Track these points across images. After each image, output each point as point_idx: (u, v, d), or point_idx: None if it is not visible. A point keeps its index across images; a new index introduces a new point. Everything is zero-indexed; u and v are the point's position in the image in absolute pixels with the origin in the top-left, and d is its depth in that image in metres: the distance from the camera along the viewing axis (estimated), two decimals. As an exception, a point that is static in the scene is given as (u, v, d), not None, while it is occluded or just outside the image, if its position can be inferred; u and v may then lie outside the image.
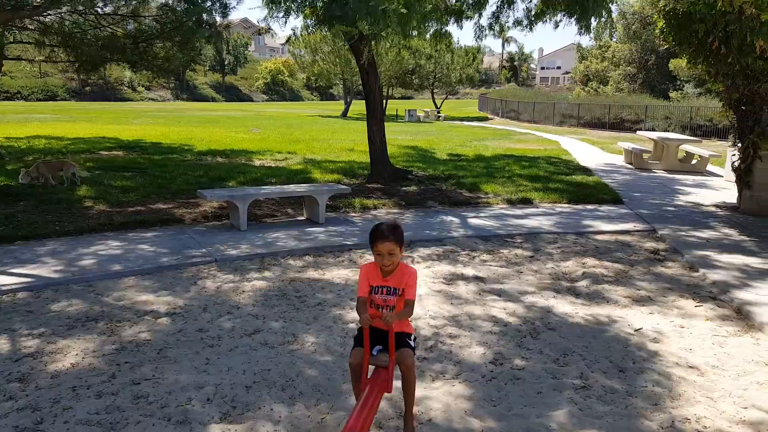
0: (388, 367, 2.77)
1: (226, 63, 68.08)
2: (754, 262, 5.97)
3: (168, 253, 5.92)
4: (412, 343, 2.87)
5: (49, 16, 11.46)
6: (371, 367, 2.85)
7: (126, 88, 58.42)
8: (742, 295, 4.96)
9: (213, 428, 2.95)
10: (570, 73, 65.03)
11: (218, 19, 10.94)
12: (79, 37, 11.47)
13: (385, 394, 2.90)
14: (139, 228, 6.96)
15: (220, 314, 4.45)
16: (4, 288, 4.86)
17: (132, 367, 3.60)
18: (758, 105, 8.08)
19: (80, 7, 10.15)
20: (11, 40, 13.67)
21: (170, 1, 11.63)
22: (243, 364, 3.65)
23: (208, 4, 10.70)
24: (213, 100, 62.68)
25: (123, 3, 11.48)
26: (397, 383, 2.98)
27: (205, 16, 10.41)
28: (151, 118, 28.63)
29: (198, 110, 39.21)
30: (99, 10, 11.35)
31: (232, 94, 66.76)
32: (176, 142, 16.45)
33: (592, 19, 9.18)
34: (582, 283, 5.32)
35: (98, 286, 5.02)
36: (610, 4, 9.22)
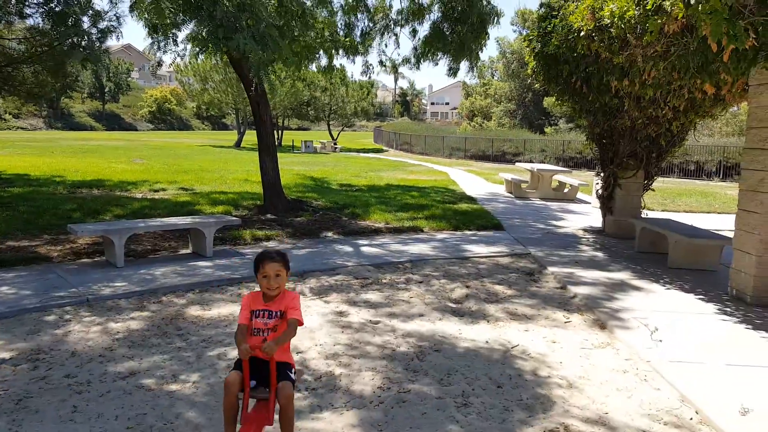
0: (268, 399, 2.71)
1: (106, 90, 64.10)
2: (615, 277, 6.63)
3: (31, 295, 5.38)
4: (292, 375, 2.83)
5: None
6: (251, 402, 2.76)
7: (-10, 116, 52.83)
8: (605, 308, 5.48)
9: (76, 484, 2.69)
10: (457, 108, 68.94)
11: (96, 43, 10.36)
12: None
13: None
14: (-3, 268, 6.26)
15: (90, 358, 4.10)
16: None
17: (-20, 424, 3.19)
18: (616, 139, 9.06)
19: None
20: None
21: (40, 24, 10.84)
22: (116, 410, 3.38)
23: (85, 26, 10.12)
24: (92, 128, 58.45)
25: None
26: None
27: (79, 39, 9.80)
28: (18, 149, 26.08)
29: (74, 140, 36.37)
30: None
31: (114, 122, 62.72)
32: (47, 174, 15.12)
33: (462, 62, 10.44)
34: (466, 304, 5.57)
35: (-58, 335, 4.42)
36: (479, 50, 10.27)
